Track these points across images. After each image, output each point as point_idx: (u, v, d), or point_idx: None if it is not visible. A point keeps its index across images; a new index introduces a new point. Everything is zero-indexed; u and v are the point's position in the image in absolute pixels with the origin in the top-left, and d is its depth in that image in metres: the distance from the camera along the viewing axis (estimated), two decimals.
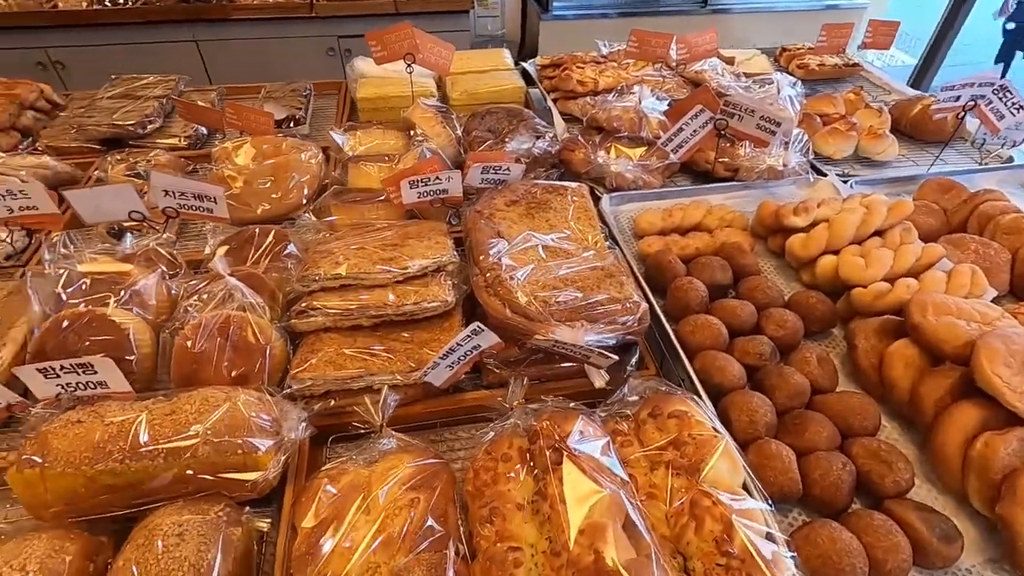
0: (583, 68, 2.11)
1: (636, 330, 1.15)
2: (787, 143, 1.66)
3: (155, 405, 1.00)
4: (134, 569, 0.81)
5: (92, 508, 0.94)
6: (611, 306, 1.14)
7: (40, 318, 1.18)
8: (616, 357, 1.08)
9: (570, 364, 1.20)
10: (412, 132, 1.80)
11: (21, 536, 0.88)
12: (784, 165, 1.64)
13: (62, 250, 1.29)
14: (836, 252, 1.35)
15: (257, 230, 1.45)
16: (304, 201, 1.70)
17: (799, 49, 2.45)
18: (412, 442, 1.05)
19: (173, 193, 1.40)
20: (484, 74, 2.21)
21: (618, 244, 1.40)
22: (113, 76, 2.22)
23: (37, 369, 0.97)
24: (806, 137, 1.71)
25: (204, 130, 2.03)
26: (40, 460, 0.90)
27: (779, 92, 1.73)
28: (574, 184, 1.51)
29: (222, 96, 2.24)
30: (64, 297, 1.21)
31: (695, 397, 1.08)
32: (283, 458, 1.00)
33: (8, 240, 1.50)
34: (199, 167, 1.87)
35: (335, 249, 1.32)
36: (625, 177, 1.62)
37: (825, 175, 1.72)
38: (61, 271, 1.23)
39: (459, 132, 1.79)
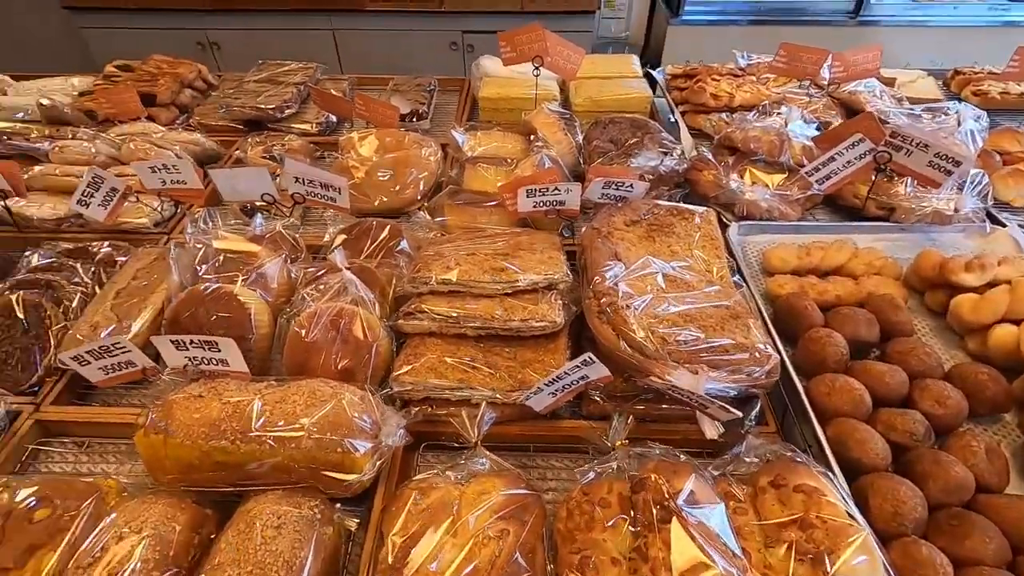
0: (718, 81, 1.96)
1: (763, 383, 1.03)
2: (961, 184, 1.43)
3: (267, 390, 1.03)
4: (233, 555, 0.83)
5: (202, 481, 0.99)
6: (737, 353, 1.02)
7: (177, 287, 1.27)
8: (740, 414, 0.97)
9: (679, 407, 1.10)
10: (532, 137, 1.76)
11: (142, 497, 0.94)
12: (955, 210, 1.42)
13: (202, 225, 1.37)
14: (1017, 322, 1.14)
15: (374, 223, 1.48)
16: (419, 197, 1.72)
17: (977, 73, 2.14)
18: (506, 467, 1.01)
19: (303, 180, 1.46)
20: (609, 80, 2.13)
21: (745, 281, 1.28)
22: (260, 61, 2.37)
23: (171, 340, 1.03)
24: (986, 179, 1.46)
25: (334, 118, 2.11)
26: (164, 428, 0.96)
27: (959, 125, 1.49)
28: (701, 208, 1.39)
29: (353, 86, 2.33)
30: (200, 271, 1.29)
31: (826, 472, 0.94)
32: (379, 462, 0.99)
33: (159, 209, 1.63)
34: (326, 154, 1.95)
35: (446, 252, 1.30)
36: (759, 205, 1.48)
37: (1004, 225, 1.47)
38: (199, 246, 1.31)
39: (580, 140, 1.72)
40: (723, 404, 0.95)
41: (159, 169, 1.49)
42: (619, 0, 4.22)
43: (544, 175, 1.41)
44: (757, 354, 1.03)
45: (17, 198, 1.57)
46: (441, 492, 0.97)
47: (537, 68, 1.83)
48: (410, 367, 1.13)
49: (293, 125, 2.06)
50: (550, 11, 3.79)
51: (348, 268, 1.22)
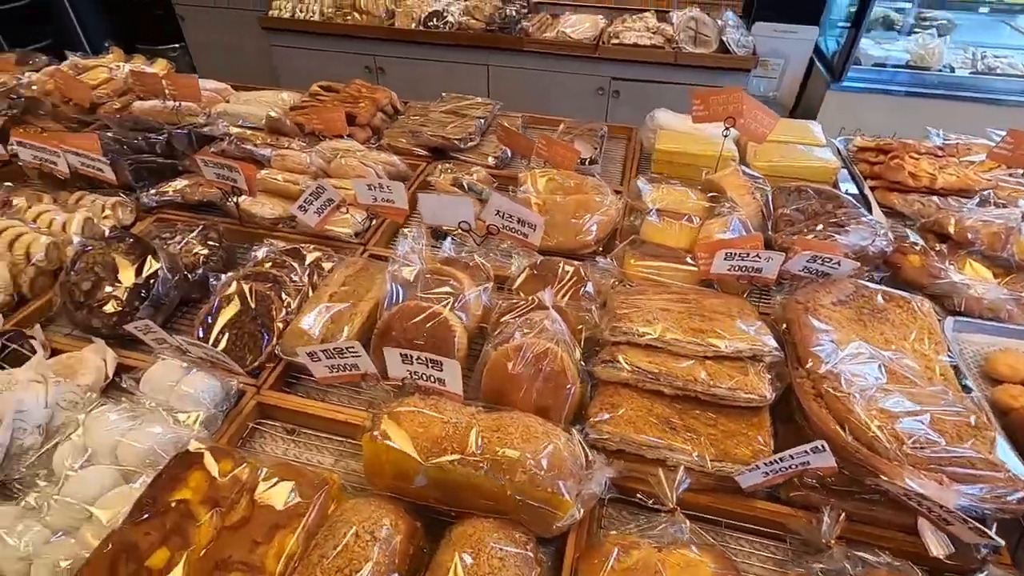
0: (917, 159, 1.86)
1: (1013, 509, 0.93)
2: None
3: (480, 415, 1.07)
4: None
5: (411, 493, 1.04)
6: (984, 470, 0.94)
7: (388, 300, 1.37)
8: (1000, 541, 0.88)
9: (895, 511, 1.02)
10: (715, 195, 1.75)
11: (366, 499, 1.01)
12: None
13: (412, 243, 1.48)
14: None
15: (561, 264, 1.52)
16: (594, 242, 1.75)
17: None
18: (712, 543, 0.98)
19: (503, 213, 1.54)
20: (789, 146, 2.08)
21: (972, 386, 1.18)
22: (444, 94, 2.55)
23: (400, 354, 1.11)
24: None
25: (509, 152, 2.22)
26: (389, 436, 1.02)
27: None
28: (917, 297, 1.31)
29: (525, 124, 2.44)
30: (410, 287, 1.38)
31: None
32: (582, 509, 1.00)
33: (361, 221, 1.78)
34: (502, 185, 2.05)
35: (642, 304, 1.31)
36: (981, 302, 1.37)
37: None
38: (411, 264, 1.41)
39: (769, 206, 1.69)
40: (977, 525, 0.87)
41: (375, 188, 1.63)
42: (773, 61, 4.16)
43: (746, 241, 1.39)
44: (1007, 475, 0.94)
45: (246, 196, 1.77)
46: (643, 554, 0.95)
47: (727, 129, 1.82)
48: (609, 416, 1.13)
49: (471, 157, 2.19)
50: (702, 65, 3.79)
51: (553, 309, 1.26)
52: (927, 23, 4.15)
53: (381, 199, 1.65)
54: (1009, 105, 3.74)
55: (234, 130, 2.09)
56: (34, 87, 2.33)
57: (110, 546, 0.92)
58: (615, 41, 3.87)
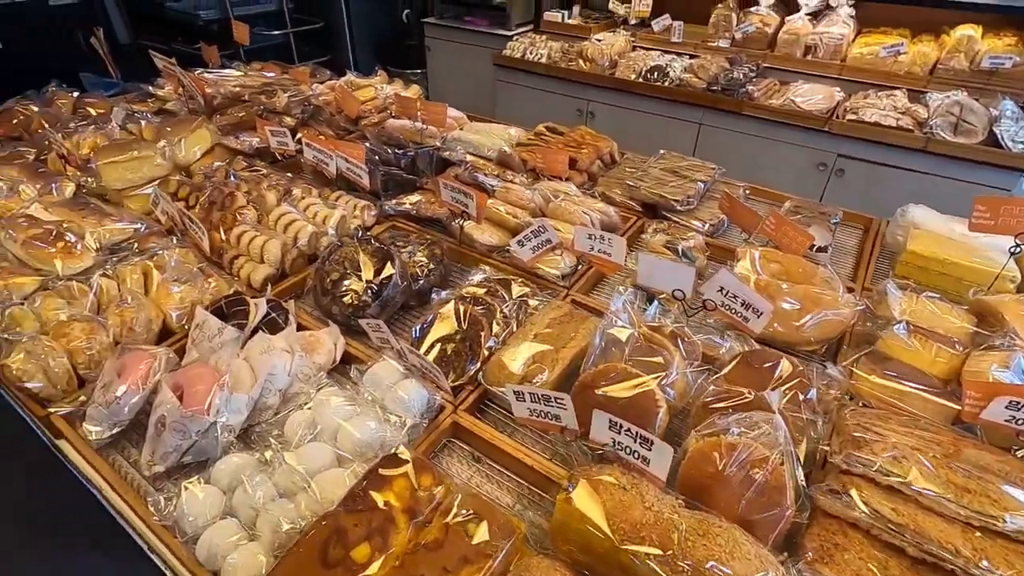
0: None
1: None
2: None
3: (682, 511, 0.99)
4: None
5: (587, 565, 0.99)
6: None
7: (592, 354, 1.35)
8: None
9: None
10: (985, 322, 1.46)
11: (550, 561, 0.98)
12: None
13: (626, 304, 1.45)
14: None
15: (783, 361, 1.38)
16: (816, 340, 1.57)
17: None
18: None
19: (726, 291, 1.45)
20: None
21: None
22: (662, 151, 2.52)
23: (610, 420, 1.08)
24: None
25: (726, 221, 2.11)
26: (586, 505, 0.99)
27: None
28: None
29: (747, 194, 2.31)
30: (617, 346, 1.35)
31: None
32: None
33: (569, 264, 1.81)
34: (716, 257, 1.95)
35: (884, 434, 1.13)
36: None
37: None
38: (624, 324, 1.38)
39: None
40: None
41: (594, 237, 1.64)
42: None
43: None
44: None
45: (471, 221, 1.91)
46: None
47: (1017, 247, 1.53)
48: (830, 560, 0.98)
49: (686, 219, 2.12)
50: (961, 157, 3.29)
51: (779, 413, 1.14)
52: None
53: (598, 249, 1.65)
54: None
55: (468, 158, 2.28)
56: (321, 97, 2.78)
57: (325, 523, 1.01)
58: (851, 117, 3.54)
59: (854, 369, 1.40)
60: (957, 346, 1.39)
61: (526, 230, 1.73)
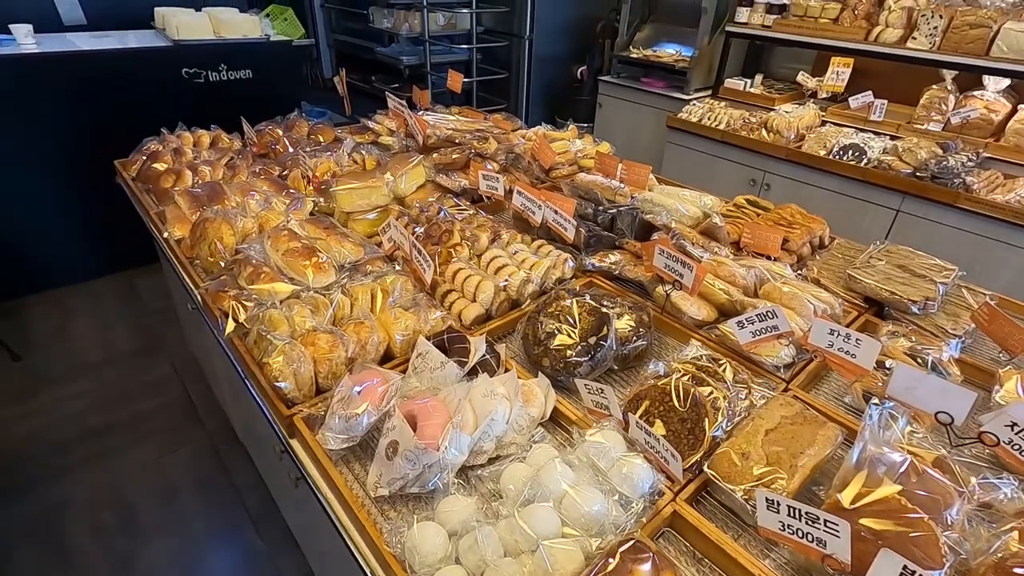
0: None
1: None
2: None
3: None
4: None
5: None
6: None
7: (848, 471, 1.20)
8: None
9: None
10: None
11: None
12: None
13: (880, 420, 1.28)
14: None
15: None
16: None
17: None
18: None
19: (1017, 427, 1.22)
20: None
21: None
22: (880, 242, 2.27)
23: (905, 566, 0.92)
24: None
25: (971, 333, 1.83)
26: None
27: None
28: None
29: (997, 304, 2.00)
30: (877, 465, 1.19)
31: None
32: None
33: (789, 354, 1.66)
34: (966, 376, 1.69)
35: None
36: None
37: None
38: (890, 448, 1.21)
39: None
40: None
41: (837, 334, 1.49)
42: None
43: None
44: None
45: (681, 292, 1.83)
46: None
47: None
48: None
49: (920, 323, 1.87)
50: None
51: None
52: None
53: (839, 348, 1.50)
54: None
55: (675, 224, 2.23)
56: (523, 146, 2.92)
57: None
58: None
59: None
60: None
61: (751, 311, 1.62)
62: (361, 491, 1.35)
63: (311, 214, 2.34)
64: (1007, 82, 3.85)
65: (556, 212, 2.16)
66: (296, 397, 1.50)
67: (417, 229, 2.16)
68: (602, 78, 5.73)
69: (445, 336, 1.63)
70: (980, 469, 1.35)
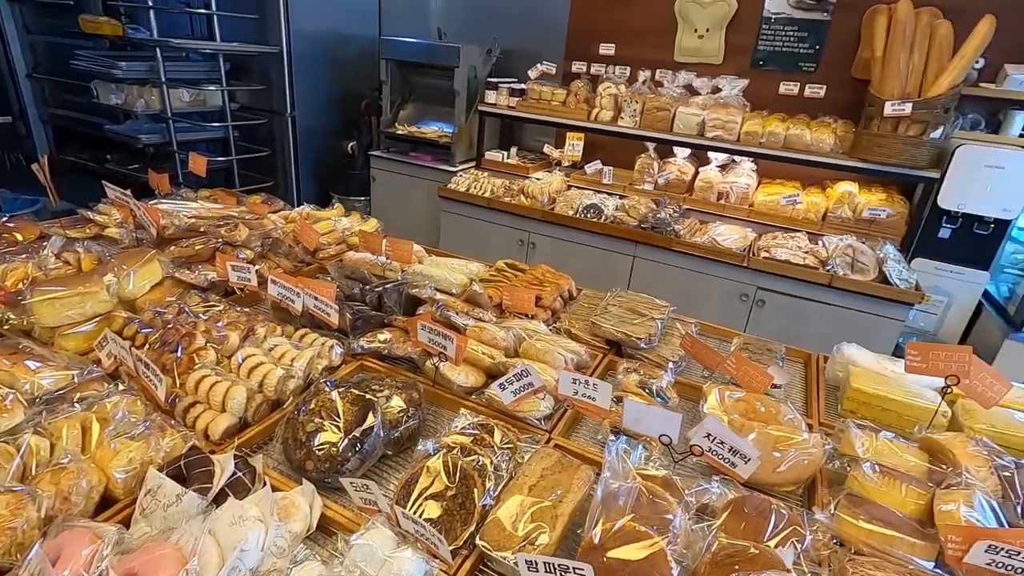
0: None
1: None
2: None
3: None
4: None
5: None
6: None
7: (594, 509, 1.32)
8: None
9: None
10: (936, 457, 1.60)
11: None
12: None
13: (620, 453, 1.45)
14: None
15: (775, 507, 1.41)
16: (794, 486, 1.63)
17: None
18: None
19: (712, 437, 1.50)
20: (1006, 411, 1.90)
21: None
22: (615, 289, 2.68)
23: None
24: None
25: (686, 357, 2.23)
26: None
27: None
28: None
29: (698, 331, 2.48)
30: (615, 498, 1.33)
31: None
32: None
33: (549, 407, 1.81)
34: (684, 396, 2.03)
35: None
36: None
37: None
38: (621, 477, 1.37)
39: (1018, 488, 1.50)
40: None
41: (579, 382, 1.67)
42: (936, 297, 4.04)
43: (1016, 536, 1.22)
44: None
45: (448, 363, 1.89)
46: None
47: (949, 388, 1.72)
48: None
49: (648, 356, 2.22)
50: (864, 292, 3.75)
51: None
52: None
53: (583, 394, 1.68)
54: None
55: (439, 296, 2.31)
56: (281, 230, 2.77)
57: None
58: (765, 254, 3.99)
59: (840, 514, 1.45)
60: (922, 485, 1.50)
61: (508, 373, 1.74)
62: None
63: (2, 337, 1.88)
64: (688, 151, 4.95)
65: (317, 298, 2.08)
66: None
67: (152, 336, 1.87)
68: (372, 153, 5.86)
69: (183, 462, 1.40)
70: (697, 478, 1.61)
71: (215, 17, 4.95)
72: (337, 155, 6.13)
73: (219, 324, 1.96)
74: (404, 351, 2.04)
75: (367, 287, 2.34)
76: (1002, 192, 3.71)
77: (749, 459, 1.45)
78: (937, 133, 3.78)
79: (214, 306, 2.13)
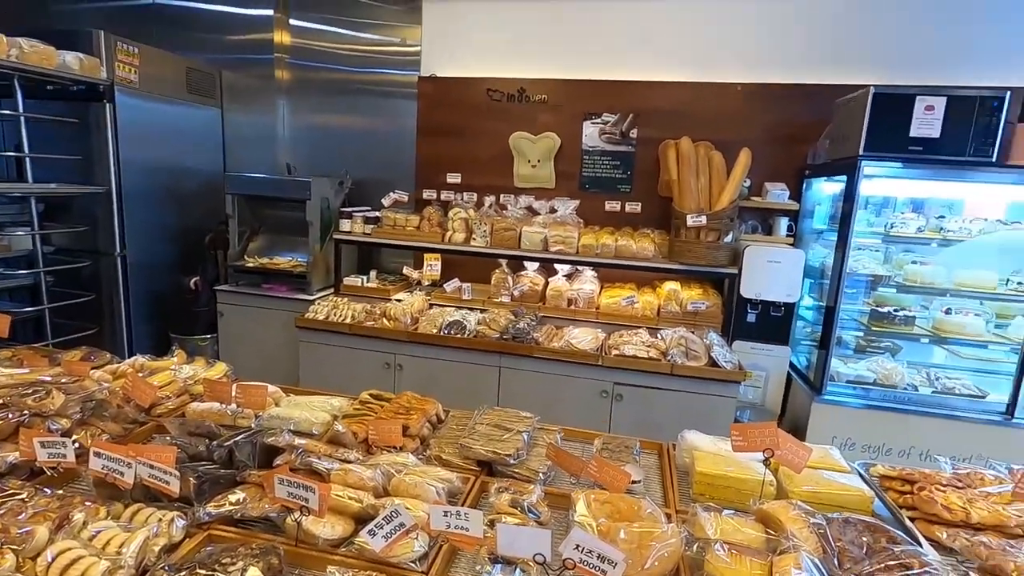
0: (944, 491, 2.01)
1: None
2: None
3: None
4: None
5: None
6: None
7: None
8: None
9: None
10: (770, 525, 1.81)
11: None
12: None
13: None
14: None
15: None
16: None
17: None
18: None
19: (581, 547, 1.55)
20: (819, 472, 2.24)
21: None
22: (484, 405, 2.76)
23: None
24: None
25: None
26: None
27: None
28: None
29: (562, 438, 2.61)
30: None
31: None
32: None
33: (423, 545, 1.75)
34: (555, 505, 2.09)
35: None
36: None
37: None
38: None
39: (831, 541, 1.75)
40: None
41: (450, 515, 1.66)
42: (757, 372, 4.70)
43: None
44: None
45: (313, 517, 1.77)
46: None
47: (767, 459, 2.00)
48: None
49: (518, 471, 2.27)
50: (698, 376, 4.23)
51: None
52: (875, 348, 4.88)
53: (455, 526, 1.66)
54: (1003, 425, 4.15)
55: (298, 441, 2.19)
56: (107, 389, 2.47)
57: None
58: (616, 352, 4.39)
59: None
60: (761, 555, 1.68)
61: (377, 517, 1.67)
62: None
63: None
64: (537, 264, 5.43)
65: (153, 466, 1.85)
66: None
67: None
68: (219, 287, 5.55)
69: None
70: None
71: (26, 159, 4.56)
72: (179, 291, 5.70)
73: (20, 517, 1.65)
74: (260, 510, 1.86)
75: (214, 443, 2.14)
76: (783, 280, 4.58)
77: (616, 563, 1.52)
78: (728, 237, 4.62)
79: (15, 495, 1.80)
